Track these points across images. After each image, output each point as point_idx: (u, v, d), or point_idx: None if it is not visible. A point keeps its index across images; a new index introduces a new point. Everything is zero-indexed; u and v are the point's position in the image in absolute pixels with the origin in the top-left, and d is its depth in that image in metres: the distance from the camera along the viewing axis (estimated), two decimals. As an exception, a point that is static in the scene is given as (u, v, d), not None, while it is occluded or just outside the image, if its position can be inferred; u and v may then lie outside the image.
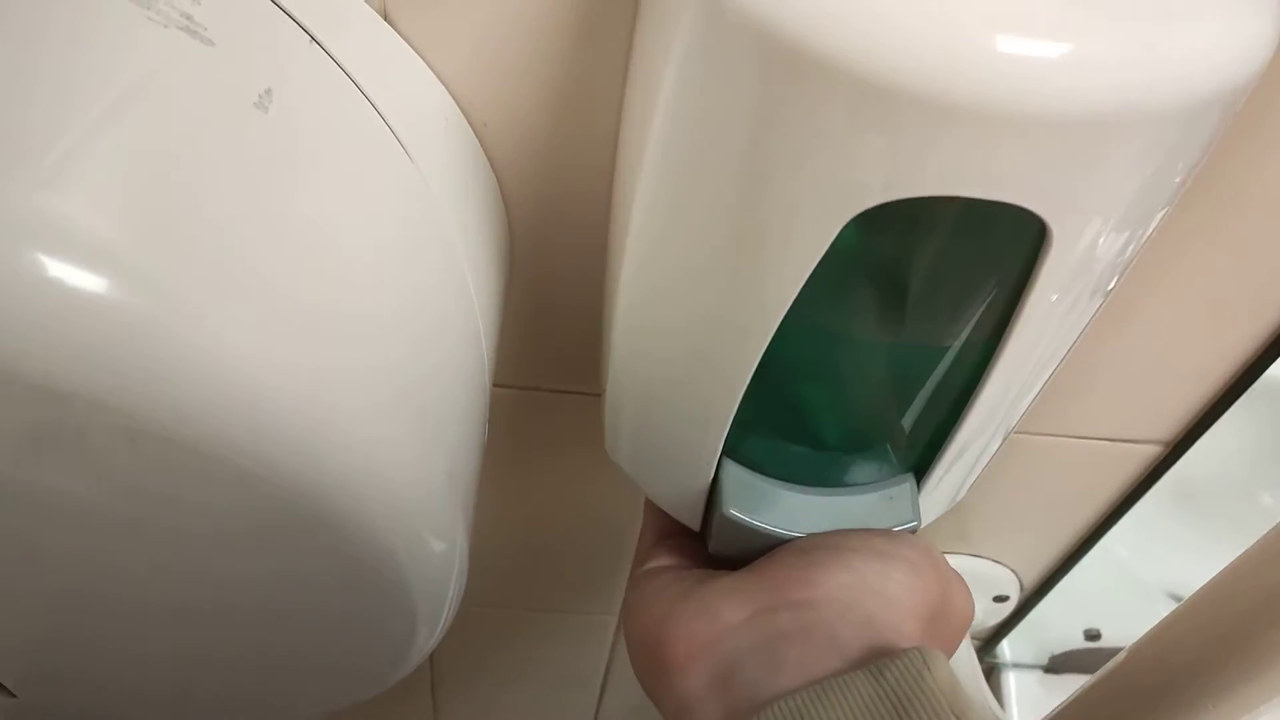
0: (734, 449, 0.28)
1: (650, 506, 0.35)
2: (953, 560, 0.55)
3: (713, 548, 0.31)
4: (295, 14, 0.24)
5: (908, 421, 0.28)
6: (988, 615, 0.59)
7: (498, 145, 0.32)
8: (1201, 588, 0.29)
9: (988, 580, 0.56)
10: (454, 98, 0.30)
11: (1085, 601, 0.58)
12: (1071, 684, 0.63)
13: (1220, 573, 0.29)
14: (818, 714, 0.23)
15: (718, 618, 0.27)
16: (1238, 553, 0.29)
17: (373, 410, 0.22)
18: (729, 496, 0.29)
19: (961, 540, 0.54)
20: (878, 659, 0.24)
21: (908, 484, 0.30)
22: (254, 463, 0.20)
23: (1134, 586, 0.56)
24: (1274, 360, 0.38)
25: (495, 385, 0.37)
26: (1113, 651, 0.63)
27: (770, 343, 0.23)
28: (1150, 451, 0.44)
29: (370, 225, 0.24)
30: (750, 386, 0.25)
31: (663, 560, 0.32)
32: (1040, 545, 0.53)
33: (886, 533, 0.29)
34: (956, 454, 0.29)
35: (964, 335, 0.24)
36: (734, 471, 0.29)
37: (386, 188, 0.25)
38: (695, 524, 0.32)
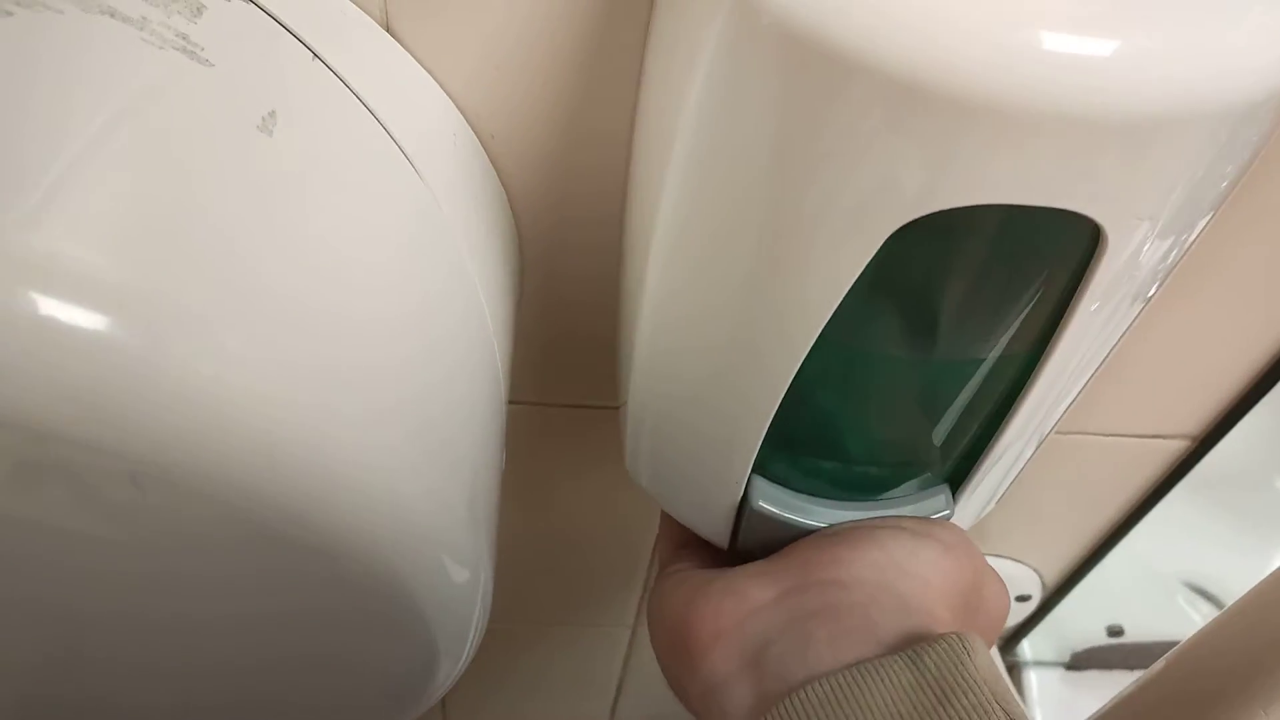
0: (763, 466, 0.27)
1: (667, 516, 0.34)
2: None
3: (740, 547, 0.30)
4: (296, 30, 0.23)
5: (946, 434, 0.27)
6: (1009, 615, 0.58)
7: (505, 157, 0.31)
8: (1250, 590, 0.28)
9: (1009, 580, 0.55)
10: (460, 110, 0.29)
11: (1108, 598, 0.57)
12: (1094, 681, 0.62)
13: (1269, 575, 0.28)
14: (855, 698, 0.22)
15: (745, 597, 0.26)
16: (1264, 547, 0.28)
17: (374, 415, 0.21)
18: (759, 503, 0.28)
19: (981, 539, 0.53)
20: (914, 644, 0.23)
21: (943, 495, 0.29)
22: (259, 493, 0.19)
23: (1157, 582, 0.55)
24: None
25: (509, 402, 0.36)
26: (1135, 647, 0.62)
27: (804, 360, 0.22)
28: (1177, 446, 0.44)
29: (382, 249, 0.23)
30: (782, 404, 0.24)
31: (684, 565, 0.31)
32: (1063, 543, 0.53)
33: (919, 517, 0.28)
34: (993, 463, 0.28)
35: (1009, 346, 0.23)
36: (764, 488, 0.28)
37: (397, 210, 0.24)
38: (723, 544, 0.31)
